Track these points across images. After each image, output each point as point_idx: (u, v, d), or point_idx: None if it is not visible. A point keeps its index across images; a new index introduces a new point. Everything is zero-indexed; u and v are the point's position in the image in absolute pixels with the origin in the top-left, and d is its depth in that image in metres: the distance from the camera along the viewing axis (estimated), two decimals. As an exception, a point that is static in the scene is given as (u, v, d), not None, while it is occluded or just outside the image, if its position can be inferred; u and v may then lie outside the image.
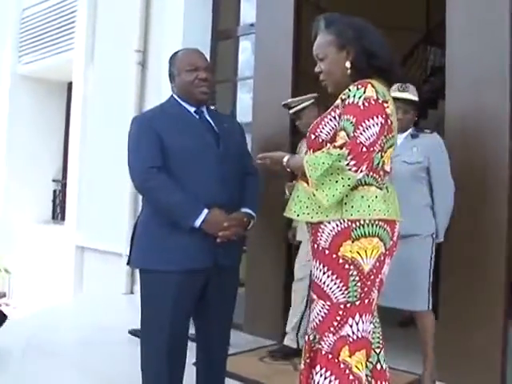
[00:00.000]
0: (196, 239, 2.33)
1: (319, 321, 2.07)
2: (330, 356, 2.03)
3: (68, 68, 6.57)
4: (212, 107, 2.75)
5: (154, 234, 2.39)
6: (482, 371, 3.05)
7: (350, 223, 2.00)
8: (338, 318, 2.03)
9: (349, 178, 1.94)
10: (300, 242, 3.79)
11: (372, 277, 2.03)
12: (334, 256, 2.02)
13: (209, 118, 2.52)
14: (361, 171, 1.95)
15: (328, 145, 2.04)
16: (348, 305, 2.02)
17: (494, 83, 3.12)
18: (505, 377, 3.05)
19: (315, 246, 2.09)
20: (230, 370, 2.85)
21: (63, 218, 6.99)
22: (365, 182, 2.02)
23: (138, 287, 2.54)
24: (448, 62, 3.35)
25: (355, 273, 2.00)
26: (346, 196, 2.00)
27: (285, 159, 2.12)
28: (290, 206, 2.14)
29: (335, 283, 2.02)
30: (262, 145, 4.05)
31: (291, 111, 3.81)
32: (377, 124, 1.97)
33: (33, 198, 7.46)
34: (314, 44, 2.18)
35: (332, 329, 2.04)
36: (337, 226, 2.01)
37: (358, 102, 1.98)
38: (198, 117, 2.50)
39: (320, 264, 2.06)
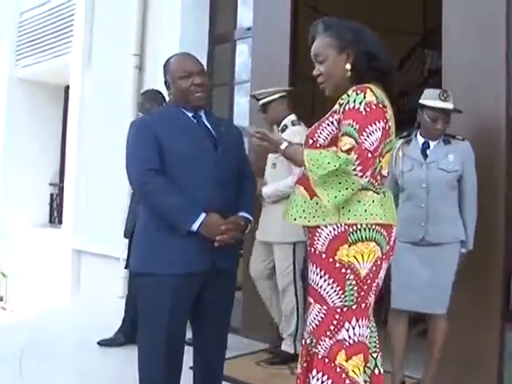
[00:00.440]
0: (194, 242, 2.33)
1: (316, 325, 2.07)
2: (327, 360, 2.03)
3: (65, 71, 6.56)
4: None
5: (151, 237, 2.39)
6: (479, 374, 3.06)
7: (346, 227, 2.00)
8: (335, 322, 2.03)
9: (353, 183, 1.94)
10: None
11: (369, 281, 2.03)
12: (331, 260, 2.02)
13: (207, 123, 2.51)
14: (365, 176, 1.95)
15: (329, 149, 2.03)
16: (345, 309, 2.02)
17: (490, 86, 3.13)
18: (502, 380, 3.06)
19: (312, 249, 2.09)
20: (227, 374, 2.85)
21: (60, 222, 6.97)
22: (362, 186, 2.01)
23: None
24: (444, 64, 3.37)
25: (352, 277, 2.00)
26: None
27: (282, 146, 2.11)
28: (287, 209, 2.14)
29: (332, 287, 2.02)
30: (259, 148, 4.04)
31: (259, 103, 3.74)
32: (379, 129, 1.97)
33: (30, 202, 7.42)
34: (311, 47, 2.17)
35: (328, 333, 2.03)
36: (334, 229, 2.01)
37: (359, 108, 1.97)
38: (195, 121, 2.49)
39: (317, 268, 2.06)
